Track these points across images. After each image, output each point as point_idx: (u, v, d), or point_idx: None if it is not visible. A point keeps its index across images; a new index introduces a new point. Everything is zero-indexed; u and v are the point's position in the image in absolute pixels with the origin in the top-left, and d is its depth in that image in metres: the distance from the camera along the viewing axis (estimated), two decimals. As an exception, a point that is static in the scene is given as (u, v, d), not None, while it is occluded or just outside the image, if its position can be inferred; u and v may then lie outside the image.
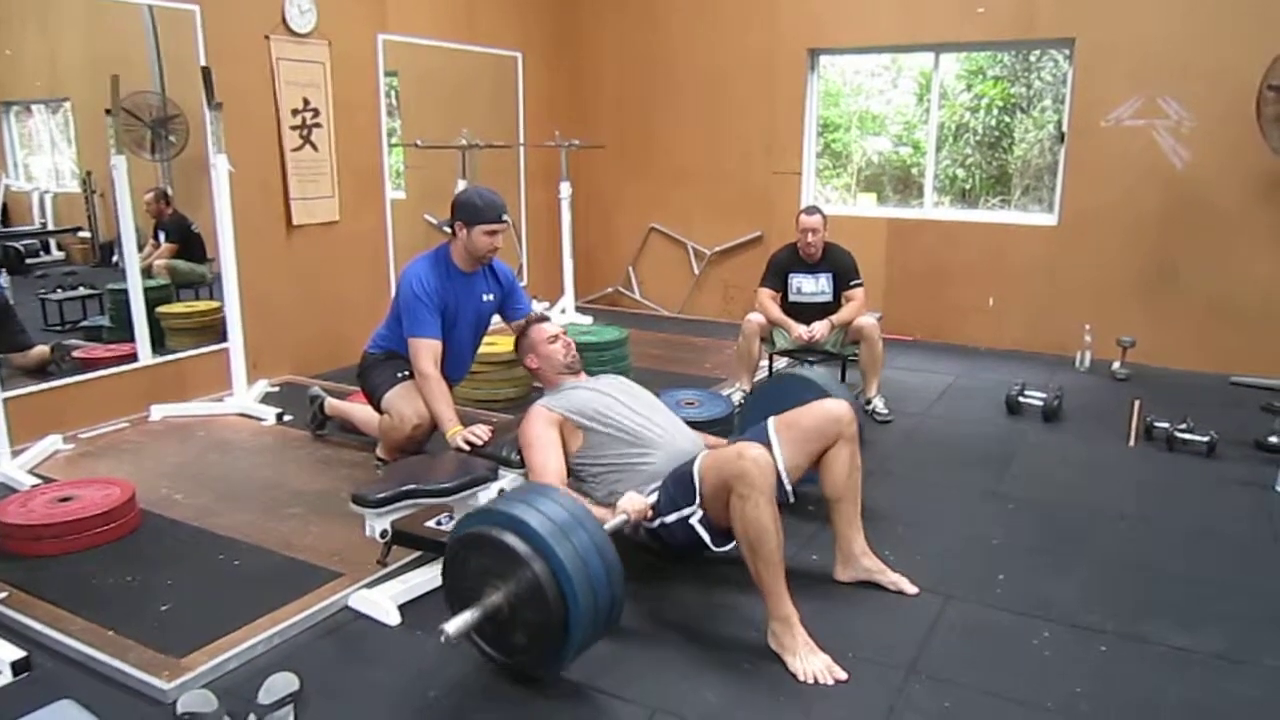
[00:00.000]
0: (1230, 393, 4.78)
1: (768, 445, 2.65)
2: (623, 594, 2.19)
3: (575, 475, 2.83)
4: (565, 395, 2.90)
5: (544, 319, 3.21)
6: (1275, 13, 4.94)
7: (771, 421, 2.76)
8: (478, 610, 2.08)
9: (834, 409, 2.75)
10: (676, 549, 2.69)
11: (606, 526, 2.31)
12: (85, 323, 4.83)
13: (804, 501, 3.20)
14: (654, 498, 2.63)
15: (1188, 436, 4.02)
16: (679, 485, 2.57)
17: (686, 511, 2.53)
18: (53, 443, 3.85)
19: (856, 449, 2.75)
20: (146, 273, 4.66)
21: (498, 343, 4.36)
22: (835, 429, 2.71)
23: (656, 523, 2.61)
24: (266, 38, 4.74)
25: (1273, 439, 3.96)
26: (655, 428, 2.81)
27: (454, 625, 2.04)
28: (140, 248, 4.58)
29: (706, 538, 2.52)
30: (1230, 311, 5.35)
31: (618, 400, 2.88)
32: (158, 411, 4.31)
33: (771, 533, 2.31)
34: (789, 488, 2.65)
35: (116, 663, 2.27)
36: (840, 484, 2.72)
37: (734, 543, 2.52)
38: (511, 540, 2.06)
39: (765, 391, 3.59)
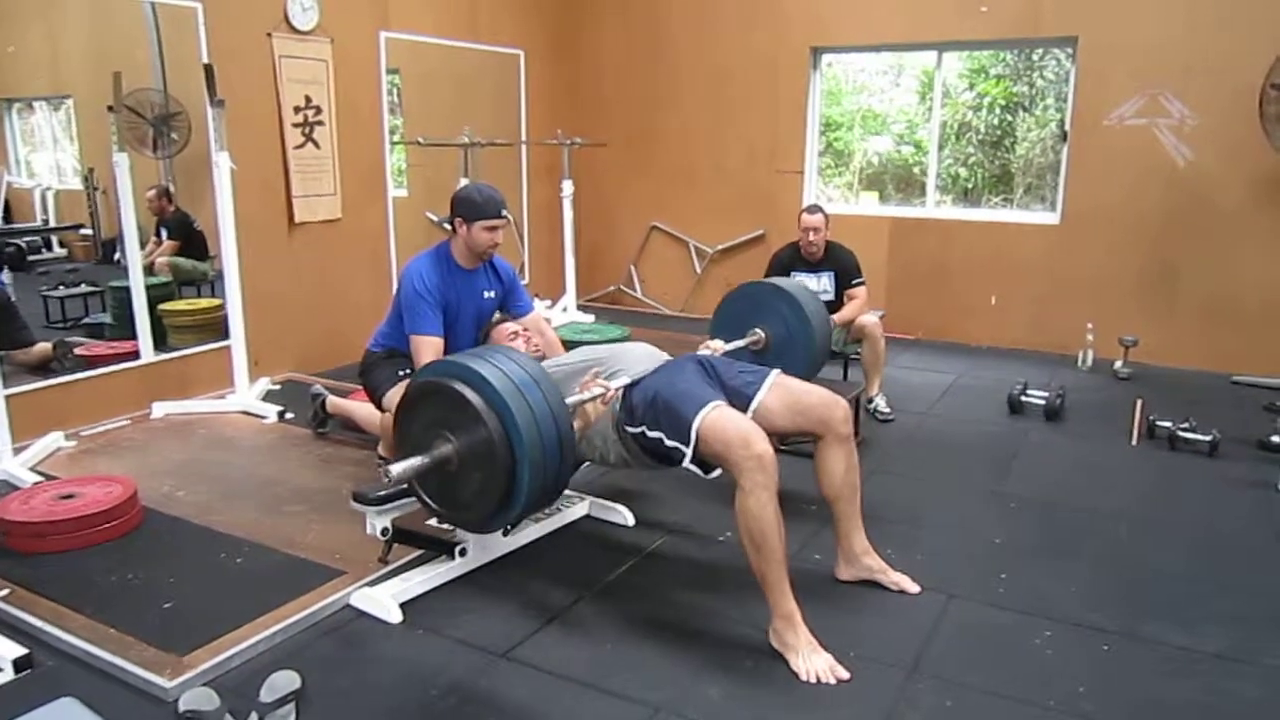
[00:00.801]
0: (1232, 392, 4.78)
1: (755, 390, 2.68)
2: (572, 461, 2.17)
3: None
4: None
5: (504, 319, 3.31)
6: (1278, 11, 4.93)
7: (774, 374, 2.76)
8: (425, 458, 2.04)
9: (834, 400, 2.74)
10: (651, 457, 2.65)
11: (569, 400, 2.29)
12: (87, 320, 4.83)
13: (804, 501, 3.20)
14: (622, 380, 2.63)
15: (1190, 436, 4.01)
16: (670, 419, 2.49)
17: (671, 445, 2.48)
18: (54, 440, 3.85)
19: (852, 448, 2.74)
20: (148, 270, 4.66)
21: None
22: (826, 419, 2.66)
23: (638, 429, 2.57)
24: (269, 35, 4.74)
25: (1275, 439, 3.95)
26: (603, 350, 2.91)
27: (400, 467, 2.00)
28: (142, 245, 4.58)
29: (699, 472, 2.50)
30: (1232, 311, 5.34)
31: (569, 354, 3.00)
32: (159, 409, 4.31)
33: (774, 529, 2.31)
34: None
35: (118, 660, 2.27)
36: (837, 483, 2.71)
37: (720, 470, 2.49)
38: (467, 393, 2.02)
39: (742, 294, 3.57)
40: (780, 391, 2.71)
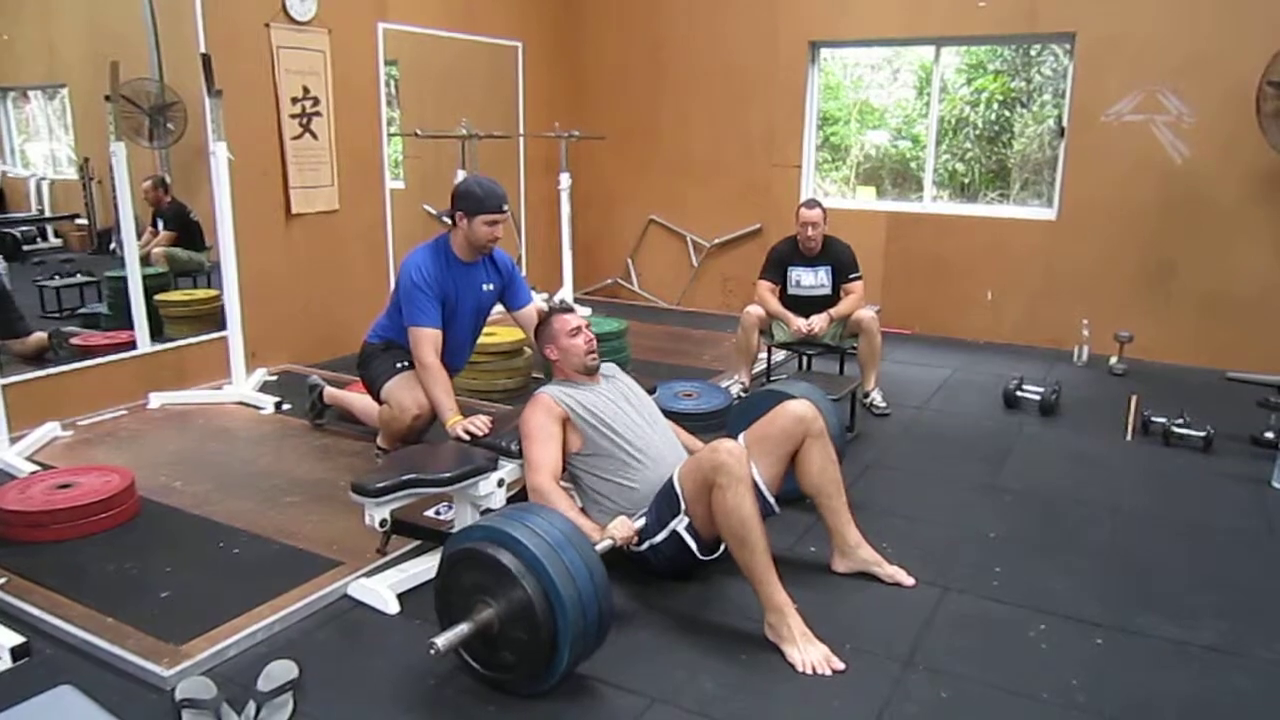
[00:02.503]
0: (1226, 388, 4.78)
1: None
2: (611, 614, 2.20)
3: (569, 473, 2.84)
4: (577, 391, 2.85)
5: (568, 309, 3.06)
6: (1275, 9, 4.94)
7: (741, 438, 2.77)
8: (468, 625, 2.09)
9: (796, 409, 2.76)
10: (664, 570, 2.69)
11: (596, 548, 2.30)
12: (83, 310, 4.82)
13: (800, 494, 3.21)
14: (641, 523, 2.63)
15: (1184, 431, 4.03)
16: (664, 501, 2.60)
17: (674, 523, 2.55)
18: (51, 430, 3.85)
19: (827, 443, 2.76)
20: (145, 260, 4.65)
21: (497, 333, 4.36)
22: (801, 429, 2.73)
23: (645, 545, 2.62)
24: (267, 25, 4.72)
25: (1268, 434, 3.98)
26: (652, 449, 2.78)
27: (444, 639, 2.05)
28: (138, 235, 4.56)
29: (694, 546, 2.55)
30: (1227, 307, 5.36)
31: (622, 411, 2.85)
32: (156, 399, 4.31)
33: (754, 519, 2.34)
34: (771, 499, 2.67)
35: (116, 649, 2.28)
36: (815, 479, 2.74)
37: (720, 549, 2.56)
38: (504, 558, 2.08)
39: (751, 402, 3.50)
40: (756, 445, 2.73)
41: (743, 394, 4.37)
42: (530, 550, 2.07)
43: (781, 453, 2.74)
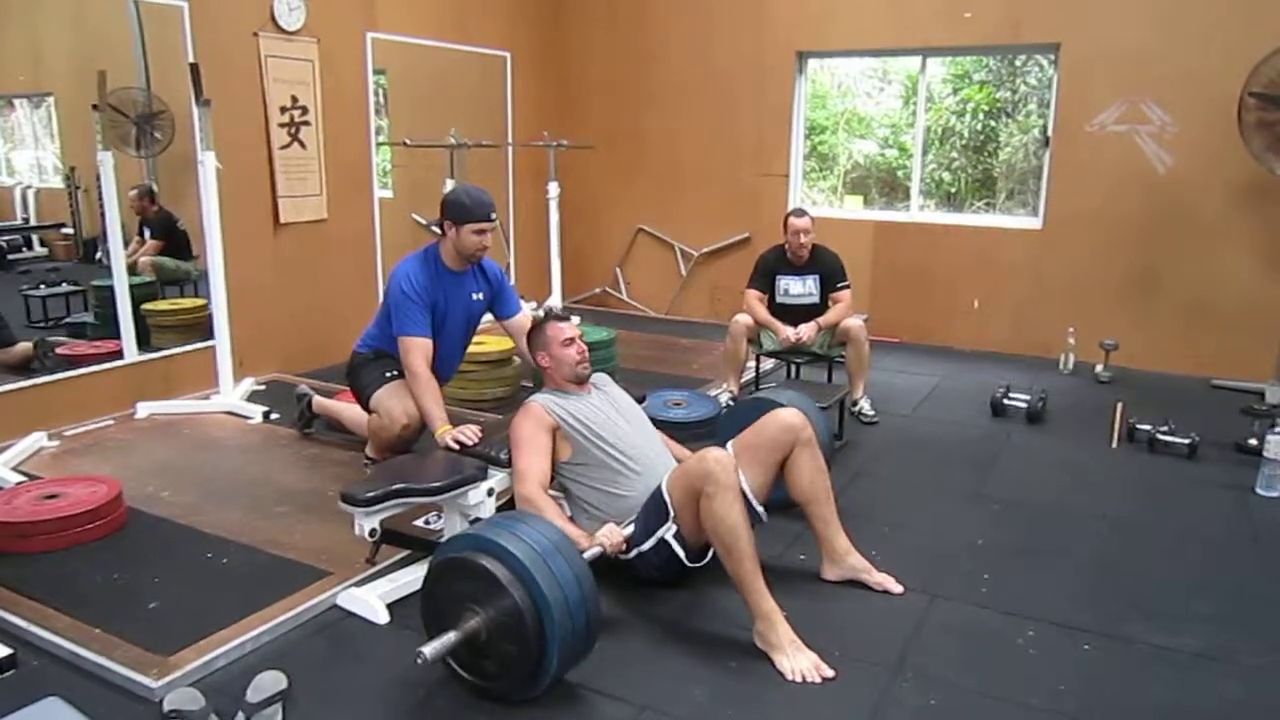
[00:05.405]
0: (1211, 395, 4.84)
1: None
2: (599, 622, 2.20)
3: (558, 480, 2.84)
4: (568, 400, 2.86)
5: (563, 317, 3.08)
6: (1257, 21, 5.00)
7: (729, 446, 2.78)
8: (456, 634, 2.09)
9: (785, 417, 2.77)
10: (652, 577, 2.69)
11: (585, 556, 2.31)
12: (69, 319, 4.79)
13: (789, 501, 3.22)
14: (630, 530, 2.64)
15: (1169, 439, 4.06)
16: (652, 509, 2.60)
17: (661, 531, 2.56)
18: (37, 440, 3.82)
19: (816, 451, 2.77)
20: (131, 270, 4.63)
21: (486, 342, 4.36)
22: (790, 437, 2.74)
23: (634, 553, 2.62)
24: (255, 35, 4.72)
25: (1252, 441, 4.01)
26: (642, 458, 2.79)
27: (431, 648, 2.06)
28: (125, 244, 4.55)
29: (681, 553, 2.56)
30: (1211, 315, 5.41)
31: (612, 420, 2.86)
32: (143, 409, 4.29)
33: (742, 527, 2.35)
34: (759, 508, 2.68)
35: (103, 660, 2.26)
36: (805, 488, 2.75)
37: (708, 556, 2.57)
38: (492, 566, 2.08)
39: (739, 410, 3.50)
40: (744, 454, 2.75)
41: (731, 403, 4.38)
42: (518, 559, 2.07)
43: (770, 461, 2.76)
